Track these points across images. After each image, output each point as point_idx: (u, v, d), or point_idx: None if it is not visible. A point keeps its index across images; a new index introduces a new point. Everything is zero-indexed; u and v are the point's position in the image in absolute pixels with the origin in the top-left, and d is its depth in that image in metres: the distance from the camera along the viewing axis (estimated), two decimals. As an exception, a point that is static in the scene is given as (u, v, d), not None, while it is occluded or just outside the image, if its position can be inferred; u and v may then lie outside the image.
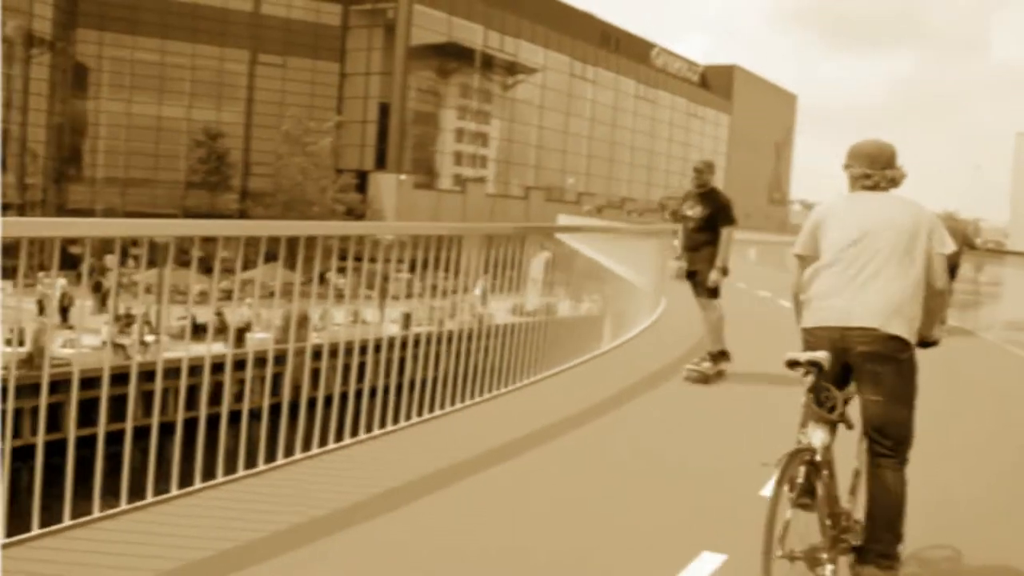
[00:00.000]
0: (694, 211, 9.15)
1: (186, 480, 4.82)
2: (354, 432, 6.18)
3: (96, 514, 4.37)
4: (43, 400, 4.35)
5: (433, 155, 66.49)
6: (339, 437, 6.02)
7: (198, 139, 54.84)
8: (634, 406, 8.06)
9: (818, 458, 3.66)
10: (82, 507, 4.32)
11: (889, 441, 3.87)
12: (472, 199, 64.67)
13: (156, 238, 5.67)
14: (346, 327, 9.02)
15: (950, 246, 3.95)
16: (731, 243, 9.17)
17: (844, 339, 3.84)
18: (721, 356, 9.11)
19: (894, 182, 4.10)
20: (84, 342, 17.05)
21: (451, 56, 65.71)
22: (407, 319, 20.38)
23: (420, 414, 6.89)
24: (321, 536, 4.38)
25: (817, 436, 3.74)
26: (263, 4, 59.30)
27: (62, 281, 26.71)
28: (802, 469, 3.57)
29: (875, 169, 4.06)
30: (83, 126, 55.91)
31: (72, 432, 4.31)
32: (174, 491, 4.74)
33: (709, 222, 9.02)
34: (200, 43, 57.08)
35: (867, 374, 3.86)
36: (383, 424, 6.47)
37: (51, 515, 4.23)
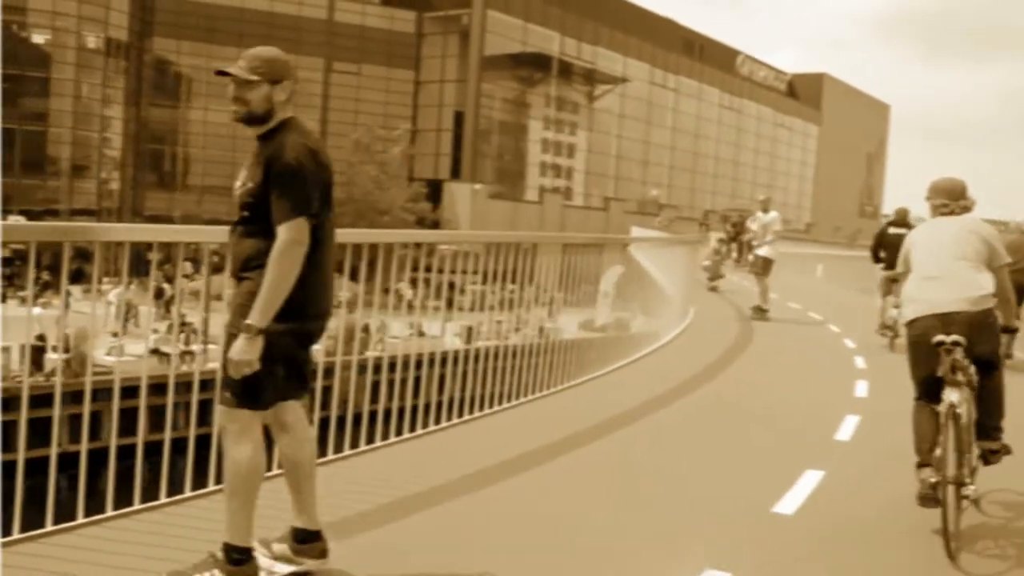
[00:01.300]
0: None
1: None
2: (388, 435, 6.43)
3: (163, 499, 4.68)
4: (86, 407, 4.64)
5: (511, 165, 66.00)
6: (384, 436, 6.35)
7: None
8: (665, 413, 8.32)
9: (958, 411, 4.88)
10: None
11: (989, 366, 5.27)
12: (549, 210, 63.87)
13: (201, 244, 5.66)
14: (404, 340, 8.78)
15: (1005, 258, 5.33)
16: None
17: (944, 322, 5.05)
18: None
19: (966, 209, 5.51)
20: (130, 350, 16.52)
21: (531, 65, 65.26)
22: (470, 333, 19.61)
23: (460, 415, 7.22)
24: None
25: (954, 395, 4.91)
26: (337, 12, 59.52)
27: (120, 288, 26.57)
28: (951, 423, 4.86)
29: (951, 200, 5.49)
30: (160, 134, 56.78)
31: (114, 440, 4.60)
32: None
33: None
34: (274, 51, 57.41)
35: (971, 344, 5.02)
36: (425, 424, 6.78)
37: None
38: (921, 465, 5.04)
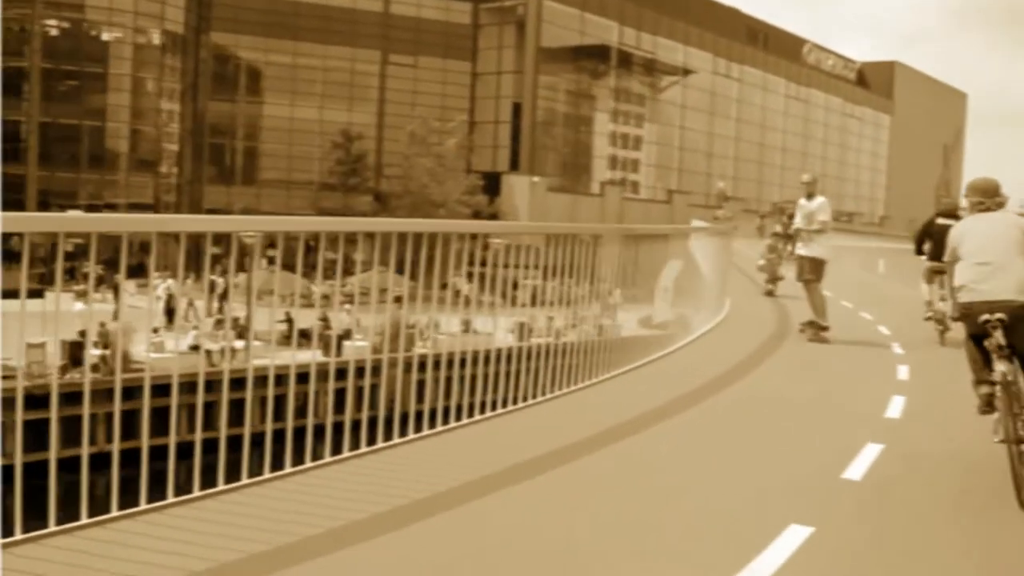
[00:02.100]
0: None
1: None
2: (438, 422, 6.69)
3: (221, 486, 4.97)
4: (116, 404, 4.87)
5: (575, 157, 65.35)
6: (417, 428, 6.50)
7: (336, 141, 55.24)
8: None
9: (1009, 378, 5.58)
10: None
11: None
12: (610, 203, 62.99)
13: (240, 235, 5.74)
14: (452, 337, 9.18)
15: None
16: None
17: (991, 308, 5.68)
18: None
19: (1000, 205, 6.29)
20: (169, 346, 16.09)
21: (595, 56, 64.55)
22: (523, 329, 18.92)
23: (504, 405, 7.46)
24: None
25: (1004, 366, 5.60)
26: (393, 4, 59.32)
27: (169, 282, 26.35)
28: (1004, 391, 5.58)
29: (987, 198, 6.25)
30: (219, 128, 57.11)
31: (145, 440, 4.77)
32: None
33: None
34: (331, 44, 57.48)
35: (1010, 329, 5.65)
36: (458, 417, 6.95)
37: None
38: (978, 382, 6.08)
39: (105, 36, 51.07)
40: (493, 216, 51.19)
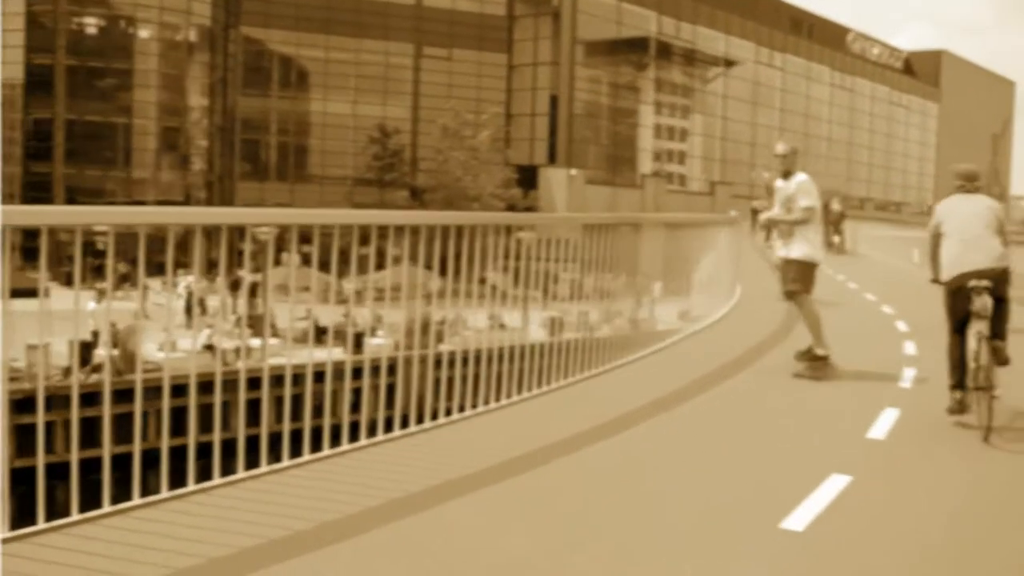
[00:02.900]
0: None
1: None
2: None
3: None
4: (137, 406, 4.75)
5: (616, 150, 64.19)
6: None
7: (372, 136, 54.53)
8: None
9: (985, 334, 6.83)
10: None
11: (1002, 299, 7.12)
12: (651, 195, 61.72)
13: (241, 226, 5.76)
14: (481, 333, 8.94)
15: (1005, 221, 7.36)
16: None
17: (977, 276, 6.89)
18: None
19: (979, 189, 7.49)
20: (182, 345, 15.09)
21: (636, 48, 63.41)
22: (554, 324, 17.75)
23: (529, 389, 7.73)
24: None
25: (982, 325, 6.85)
26: (426, -4, 58.36)
27: (189, 279, 25.41)
28: (977, 341, 6.86)
29: (968, 182, 7.48)
30: (251, 124, 56.43)
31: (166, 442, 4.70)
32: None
33: None
34: (364, 37, 56.66)
35: (992, 291, 6.90)
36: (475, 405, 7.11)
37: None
38: (953, 387, 7.16)
39: (132, 32, 50.52)
40: (528, 210, 50.18)
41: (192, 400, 4.90)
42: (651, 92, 66.29)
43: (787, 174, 9.35)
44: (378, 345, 12.31)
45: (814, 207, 9.21)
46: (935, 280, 7.44)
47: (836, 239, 29.42)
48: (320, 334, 13.80)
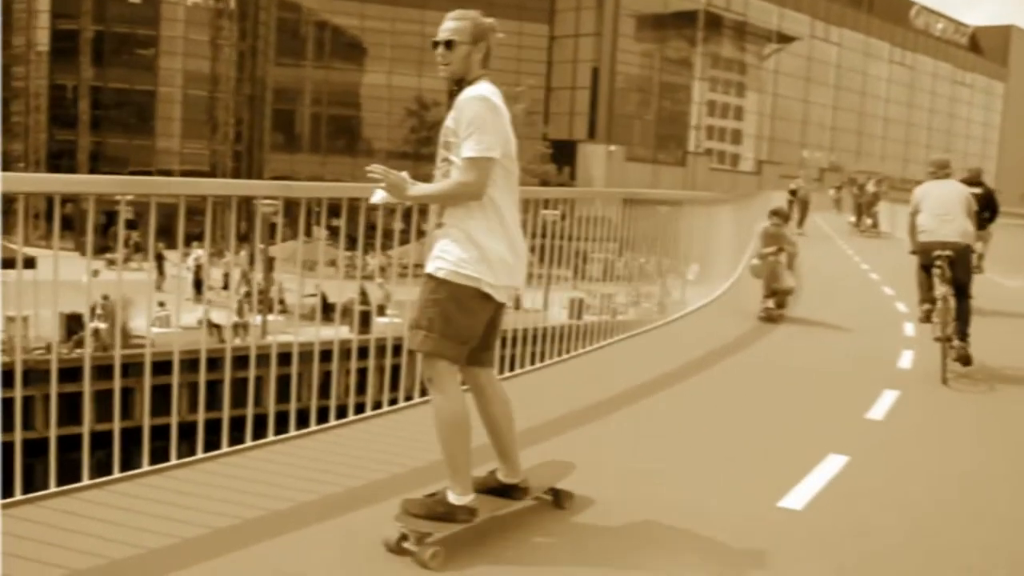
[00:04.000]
0: None
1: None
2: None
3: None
4: (116, 383, 4.96)
5: (656, 126, 63.44)
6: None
7: (410, 108, 54.18)
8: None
9: (947, 296, 8.29)
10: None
11: (963, 288, 8.53)
12: (695, 173, 61.05)
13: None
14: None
15: (974, 207, 8.86)
16: None
17: (942, 247, 8.38)
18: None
19: (948, 176, 9.05)
20: (184, 321, 14.86)
21: (677, 19, 62.44)
22: (576, 306, 17.53)
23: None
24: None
25: (944, 288, 8.30)
26: (465, -38, 57.89)
27: (199, 252, 25.42)
28: (940, 304, 8.32)
29: (940, 169, 9.08)
30: (282, 94, 56.48)
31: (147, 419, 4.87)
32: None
33: None
34: (400, 6, 56.37)
35: (954, 264, 8.35)
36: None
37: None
38: (922, 301, 8.82)
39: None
40: (562, 185, 49.85)
41: (175, 379, 4.92)
42: (699, 67, 65.38)
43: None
44: (386, 324, 12.16)
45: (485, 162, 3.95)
46: (913, 252, 8.88)
47: (868, 221, 29.68)
48: (328, 312, 13.72)
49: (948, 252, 8.26)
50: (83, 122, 48.63)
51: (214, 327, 14.43)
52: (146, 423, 4.86)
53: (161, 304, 17.51)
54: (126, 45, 49.82)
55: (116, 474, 4.60)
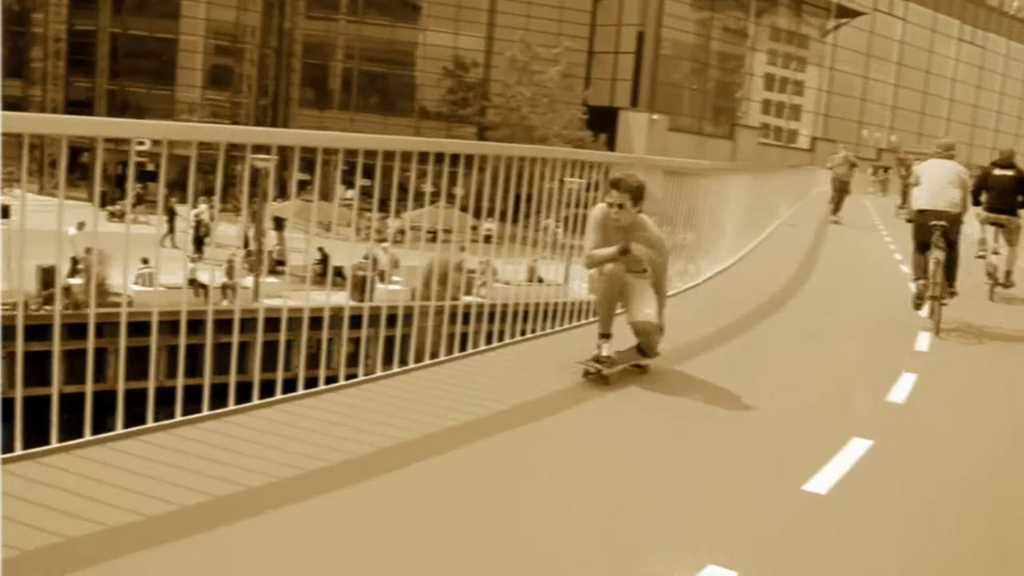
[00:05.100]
0: None
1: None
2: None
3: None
4: (90, 343, 4.93)
5: (703, 95, 62.64)
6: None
7: (448, 68, 53.98)
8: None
9: (940, 260, 9.91)
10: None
11: (953, 243, 10.19)
12: (743, 146, 60.19)
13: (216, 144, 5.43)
14: (515, 287, 8.89)
15: (969, 186, 10.81)
16: None
17: (936, 216, 10.03)
18: None
19: (951, 156, 10.76)
20: (164, 279, 14.57)
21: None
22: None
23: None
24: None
25: (939, 254, 9.91)
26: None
27: (202, 207, 25.14)
28: (932, 266, 9.92)
29: (944, 151, 10.86)
30: (313, 48, 56.20)
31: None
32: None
33: None
34: (439, -40, 55.98)
35: (947, 230, 10.01)
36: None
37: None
38: (916, 280, 10.29)
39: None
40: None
41: (153, 340, 4.98)
42: (753, 38, 64.41)
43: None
44: (391, 292, 11.81)
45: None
46: (909, 220, 10.69)
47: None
48: (334, 276, 13.36)
49: (943, 222, 9.96)
50: (101, 69, 48.62)
51: (201, 288, 14.09)
52: (120, 387, 4.81)
53: (145, 261, 17.09)
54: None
55: (87, 437, 4.61)
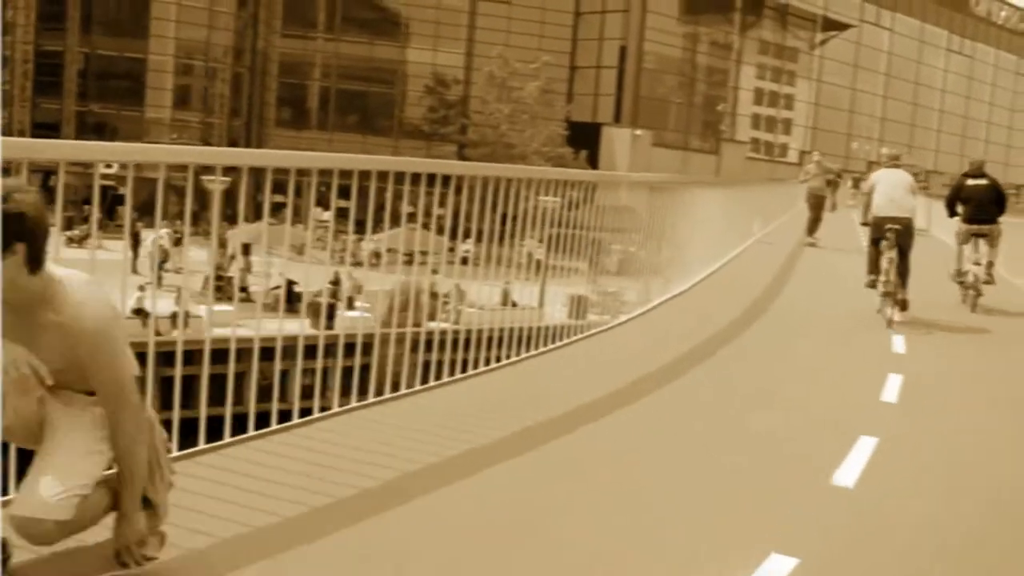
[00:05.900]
0: None
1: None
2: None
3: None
4: None
5: (687, 110, 62.95)
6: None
7: (429, 86, 54.08)
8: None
9: (894, 259, 11.08)
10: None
11: (905, 253, 11.26)
12: (727, 162, 60.31)
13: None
14: (486, 312, 8.55)
15: (917, 189, 12.25)
16: None
17: (893, 221, 11.15)
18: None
19: (897, 165, 12.08)
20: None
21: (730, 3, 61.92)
22: (578, 305, 16.76)
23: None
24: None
25: (892, 253, 11.09)
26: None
27: (162, 231, 24.88)
28: (886, 265, 11.17)
29: (892, 160, 12.24)
30: (289, 67, 56.17)
31: None
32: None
33: None
34: (415, -25, 56.12)
35: (901, 234, 11.13)
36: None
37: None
38: (870, 272, 11.44)
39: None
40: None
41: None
42: (739, 51, 64.68)
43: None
44: (353, 319, 11.46)
45: None
46: (864, 223, 11.77)
47: None
48: (292, 302, 13.01)
49: (897, 225, 11.01)
50: (69, 90, 48.40)
51: (145, 316, 13.73)
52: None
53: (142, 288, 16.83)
54: (116, 9, 49.61)
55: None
